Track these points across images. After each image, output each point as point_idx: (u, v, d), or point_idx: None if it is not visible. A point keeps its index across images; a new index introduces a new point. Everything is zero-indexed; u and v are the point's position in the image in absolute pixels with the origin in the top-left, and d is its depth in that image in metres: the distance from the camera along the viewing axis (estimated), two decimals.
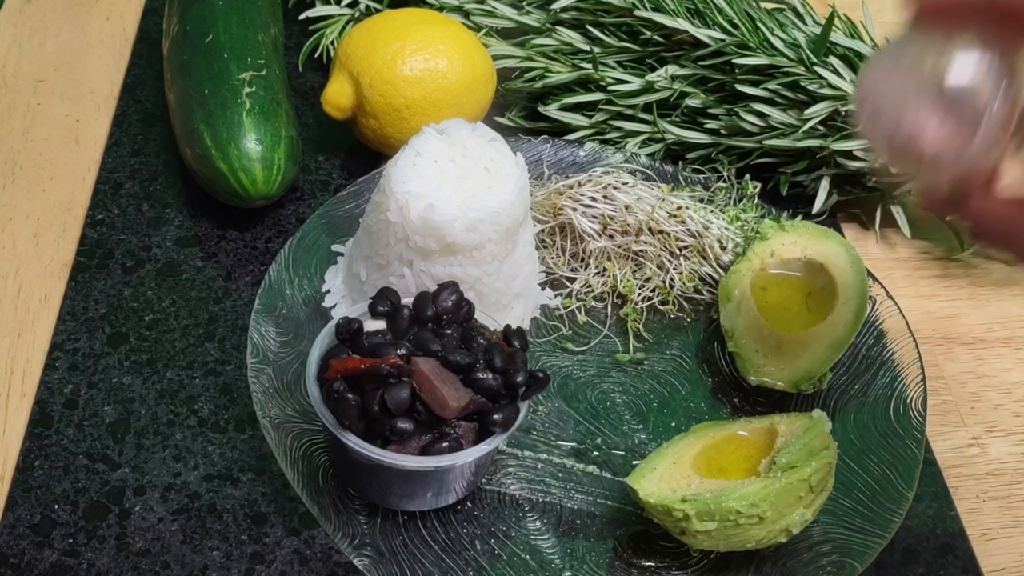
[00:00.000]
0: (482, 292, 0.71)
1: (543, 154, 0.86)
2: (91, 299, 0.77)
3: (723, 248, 0.80)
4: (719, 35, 0.86)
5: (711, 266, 0.80)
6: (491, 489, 0.68)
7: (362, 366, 0.58)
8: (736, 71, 0.86)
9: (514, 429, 0.61)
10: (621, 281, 0.79)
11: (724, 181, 0.86)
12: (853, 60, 0.85)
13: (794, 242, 0.78)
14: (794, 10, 0.89)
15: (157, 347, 0.75)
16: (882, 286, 0.78)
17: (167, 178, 0.87)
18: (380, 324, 0.62)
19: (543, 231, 0.81)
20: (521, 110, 0.93)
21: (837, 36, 0.85)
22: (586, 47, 0.90)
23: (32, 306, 0.77)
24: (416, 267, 0.70)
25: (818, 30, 0.86)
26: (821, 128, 0.85)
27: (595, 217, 0.79)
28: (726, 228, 0.81)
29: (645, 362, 0.76)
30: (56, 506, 0.66)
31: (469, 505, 0.67)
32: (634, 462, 0.70)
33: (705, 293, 0.80)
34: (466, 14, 0.92)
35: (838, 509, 0.67)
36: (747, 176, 0.86)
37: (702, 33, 0.86)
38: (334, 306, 0.75)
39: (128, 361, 0.74)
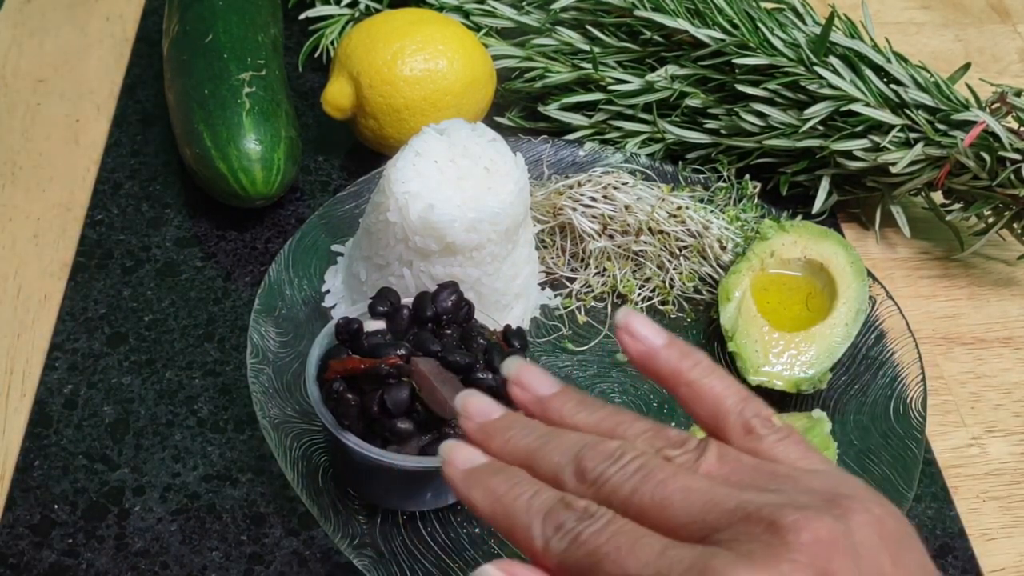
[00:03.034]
0: (482, 292, 0.71)
1: (543, 154, 0.86)
2: (91, 299, 0.77)
3: (723, 248, 0.80)
4: (719, 35, 0.86)
5: (711, 266, 0.80)
6: None
7: (362, 366, 0.58)
8: (736, 71, 0.86)
9: None
10: (621, 281, 0.79)
11: (724, 181, 0.86)
12: (853, 60, 0.85)
13: (794, 242, 0.78)
14: (794, 10, 0.89)
15: (156, 347, 0.75)
16: (882, 286, 0.78)
17: (167, 178, 0.87)
18: (380, 324, 0.62)
19: (543, 231, 0.81)
20: (521, 110, 0.93)
21: (837, 36, 0.85)
22: (586, 47, 0.90)
23: (32, 306, 0.77)
24: (416, 267, 0.70)
25: (818, 30, 0.86)
26: (821, 128, 0.85)
27: (595, 217, 0.79)
28: (726, 228, 0.81)
29: None
30: (55, 506, 0.66)
31: None
32: None
33: (705, 293, 0.80)
34: (466, 14, 0.92)
35: None
36: (747, 176, 0.86)
37: (702, 33, 0.86)
38: (334, 306, 0.75)
39: (127, 361, 0.74)
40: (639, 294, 0.79)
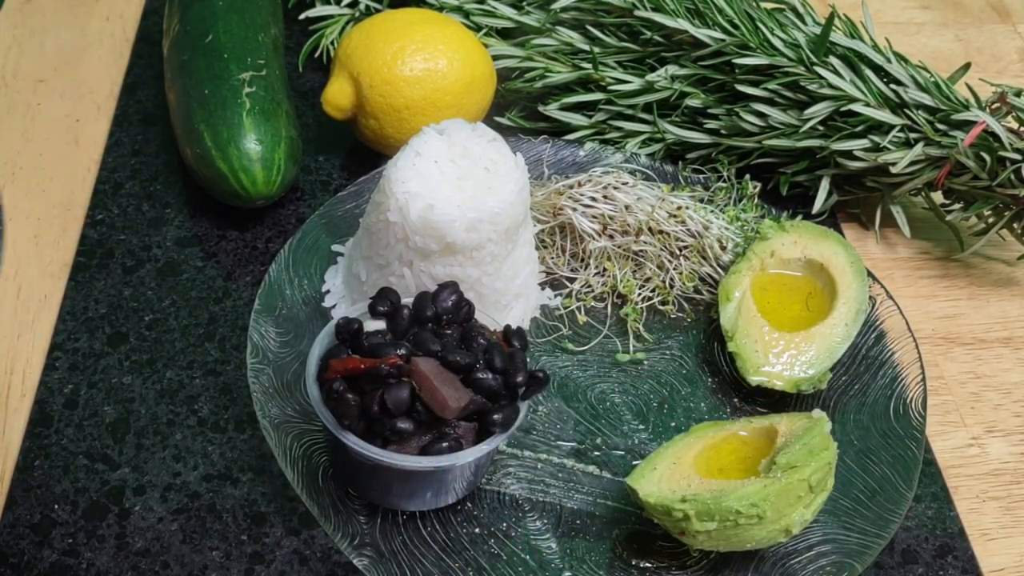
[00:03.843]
0: (482, 292, 0.71)
1: (543, 154, 0.86)
2: (91, 299, 0.77)
3: (723, 248, 0.80)
4: (719, 35, 0.86)
5: (711, 266, 0.80)
6: (491, 489, 0.68)
7: (362, 366, 0.58)
8: (736, 71, 0.86)
9: (514, 429, 0.61)
10: (621, 281, 0.79)
11: (724, 181, 0.86)
12: (853, 60, 0.85)
13: (794, 242, 0.78)
14: (794, 10, 0.89)
15: (157, 347, 0.75)
16: (882, 286, 0.78)
17: (167, 178, 0.87)
18: (380, 324, 0.62)
19: (543, 231, 0.81)
20: (521, 110, 0.93)
21: (837, 36, 0.85)
22: (586, 47, 0.90)
23: (32, 306, 0.77)
24: (416, 267, 0.70)
25: (818, 30, 0.86)
26: (821, 128, 0.85)
27: (595, 217, 0.79)
28: (726, 228, 0.81)
29: (645, 362, 0.76)
30: (56, 506, 0.66)
31: (469, 505, 0.67)
32: (634, 462, 0.70)
33: (705, 293, 0.80)
34: (466, 14, 0.92)
35: (838, 509, 0.67)
36: (747, 176, 0.86)
37: (702, 33, 0.86)
38: (334, 306, 0.75)
39: (128, 361, 0.74)
40: (639, 294, 0.79)
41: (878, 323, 0.77)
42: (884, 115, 0.83)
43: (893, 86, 0.84)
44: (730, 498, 0.60)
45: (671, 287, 0.79)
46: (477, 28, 0.92)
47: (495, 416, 0.60)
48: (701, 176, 0.87)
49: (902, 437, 0.70)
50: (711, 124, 0.88)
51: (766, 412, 0.73)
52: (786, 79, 0.84)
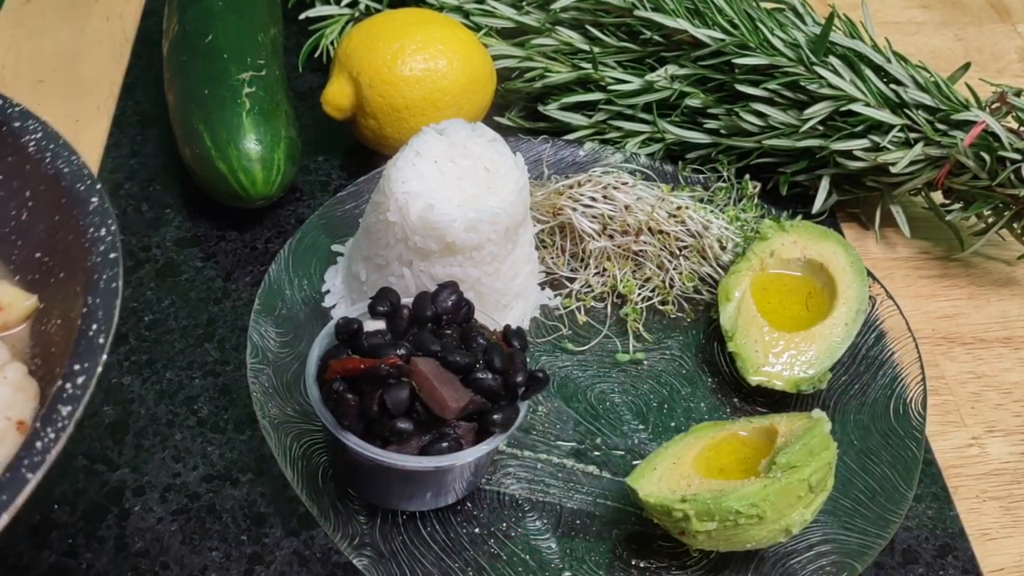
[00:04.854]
0: (482, 292, 0.71)
1: (543, 154, 0.86)
2: None
3: (723, 248, 0.80)
4: (719, 35, 0.86)
5: (711, 266, 0.80)
6: (491, 489, 0.68)
7: (361, 366, 0.58)
8: (736, 71, 0.86)
9: (513, 429, 0.61)
10: (621, 281, 0.79)
11: (724, 181, 0.86)
12: (853, 60, 0.85)
13: (794, 242, 0.78)
14: (794, 10, 0.89)
15: (157, 347, 0.75)
16: (882, 286, 0.78)
17: (166, 179, 0.87)
18: (380, 324, 0.62)
19: (543, 231, 0.81)
20: (521, 110, 0.93)
21: (837, 36, 0.85)
22: (586, 47, 0.90)
23: None
24: (416, 267, 0.70)
25: (818, 30, 0.86)
26: (821, 128, 0.85)
27: (595, 217, 0.79)
28: (726, 228, 0.81)
29: (645, 362, 0.76)
30: (55, 507, 0.66)
31: (469, 505, 0.67)
32: (634, 462, 0.70)
33: (705, 293, 0.80)
34: (466, 14, 0.92)
35: (838, 509, 0.67)
36: (747, 176, 0.86)
37: (702, 33, 0.86)
38: (334, 306, 0.75)
39: (128, 362, 0.74)
40: (639, 294, 0.79)
41: (878, 323, 0.77)
42: (884, 115, 0.83)
43: (893, 86, 0.84)
44: (730, 498, 0.60)
45: (671, 287, 0.79)
46: (477, 28, 0.91)
47: (495, 416, 0.59)
48: (701, 176, 0.87)
49: (902, 437, 0.70)
50: (711, 124, 0.88)
51: (766, 412, 0.73)
52: (786, 79, 0.84)
